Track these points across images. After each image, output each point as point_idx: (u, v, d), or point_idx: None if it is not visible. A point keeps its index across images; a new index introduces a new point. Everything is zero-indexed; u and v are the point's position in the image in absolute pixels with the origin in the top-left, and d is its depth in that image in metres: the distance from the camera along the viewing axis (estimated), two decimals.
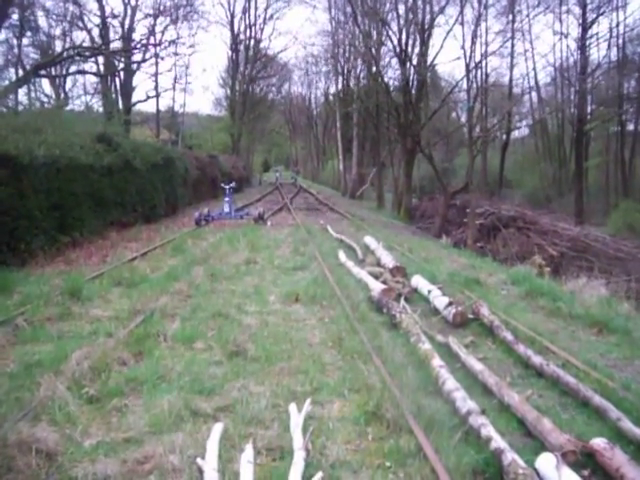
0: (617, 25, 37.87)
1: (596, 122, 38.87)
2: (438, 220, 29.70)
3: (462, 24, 29.19)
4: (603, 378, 5.65)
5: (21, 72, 31.00)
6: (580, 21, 36.99)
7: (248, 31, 51.51)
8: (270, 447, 4.34)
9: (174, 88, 42.99)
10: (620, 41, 38.28)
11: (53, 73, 32.64)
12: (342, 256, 12.77)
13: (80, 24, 34.13)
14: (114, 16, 34.08)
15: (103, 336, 6.81)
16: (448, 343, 6.65)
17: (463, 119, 44.44)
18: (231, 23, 50.58)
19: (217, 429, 4.39)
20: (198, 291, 9.40)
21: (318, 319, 8.03)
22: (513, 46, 38.31)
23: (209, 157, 34.72)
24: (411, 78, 33.25)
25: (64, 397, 4.98)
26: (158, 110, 41.84)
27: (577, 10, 37.80)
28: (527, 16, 35.14)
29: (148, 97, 38.55)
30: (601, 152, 42.33)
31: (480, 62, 30.31)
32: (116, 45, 33.82)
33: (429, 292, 9.10)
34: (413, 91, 33.47)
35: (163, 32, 35.89)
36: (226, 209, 20.23)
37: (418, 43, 33.08)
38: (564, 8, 39.30)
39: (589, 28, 36.86)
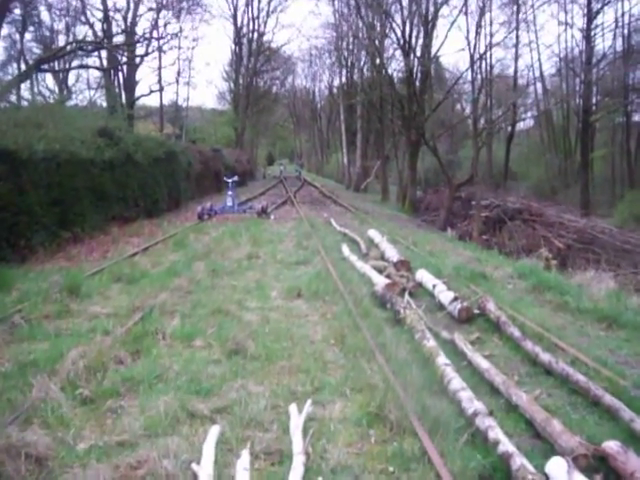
0: (622, 15, 37.45)
1: (602, 113, 38.48)
2: (443, 213, 29.47)
3: (466, 14, 28.91)
4: (614, 376, 5.47)
5: (24, 67, 30.97)
6: (585, 11, 36.51)
7: (251, 24, 51.34)
8: (269, 451, 4.18)
9: (177, 82, 42.99)
10: (625, 31, 37.88)
11: (56, 68, 32.51)
12: (345, 250, 12.61)
13: (83, 19, 34.04)
14: (117, 10, 33.97)
15: (101, 334, 6.65)
16: (454, 340, 6.48)
17: (468, 111, 44.14)
18: (234, 16, 50.42)
19: (214, 432, 4.24)
20: (199, 287, 9.25)
21: (320, 315, 7.87)
22: (518, 37, 37.82)
23: (212, 151, 34.53)
24: (415, 70, 32.99)
25: (57, 398, 4.83)
26: (162, 104, 41.74)
27: (582, 0, 37.44)
28: (532, 6, 34.77)
29: (151, 91, 38.43)
30: (606, 143, 41.91)
31: (485, 53, 30.07)
32: (119, 39, 33.72)
33: (434, 287, 8.93)
34: (417, 83, 33.19)
35: (165, 25, 35.72)
36: (229, 203, 20.09)
37: (422, 34, 32.83)
38: None
39: (594, 18, 36.41)
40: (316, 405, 4.87)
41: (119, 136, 17.88)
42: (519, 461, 3.80)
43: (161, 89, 39.66)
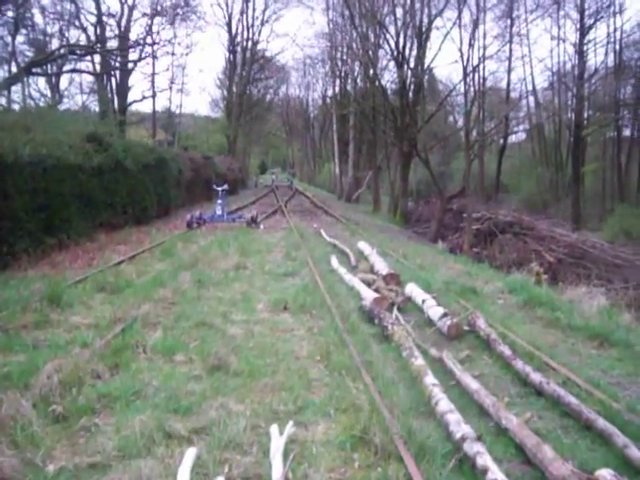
0: (615, 30, 37.70)
1: (593, 127, 38.60)
2: (434, 225, 29.38)
3: (460, 27, 28.99)
4: (607, 399, 5.30)
5: (14, 69, 30.70)
6: (578, 26, 36.76)
7: (246, 32, 51.39)
8: (246, 476, 3.98)
9: (170, 88, 42.84)
10: (617, 47, 38.12)
11: (49, 71, 32.31)
12: (334, 262, 12.44)
13: (77, 23, 33.87)
14: (111, 15, 33.82)
15: (79, 346, 6.44)
16: (442, 358, 6.30)
17: (460, 123, 44.19)
18: (229, 24, 50.47)
19: (190, 455, 4.03)
20: (184, 298, 9.04)
21: (307, 329, 7.68)
22: (511, 50, 38.07)
23: (204, 158, 34.31)
24: (408, 81, 33.00)
25: (28, 415, 4.61)
26: (154, 110, 41.52)
27: (575, 15, 37.63)
28: (525, 20, 34.96)
29: (144, 97, 38.26)
30: (597, 157, 42.05)
31: (478, 65, 30.14)
32: (112, 44, 33.58)
33: (423, 302, 8.76)
34: (410, 94, 33.18)
35: (159, 32, 35.61)
36: (218, 212, 19.90)
37: (415, 46, 32.88)
38: (562, 13, 39.21)
39: (587, 33, 36.66)
40: (298, 426, 4.69)
41: (108, 142, 17.64)
42: None
43: (154, 95, 39.49)
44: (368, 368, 5.93)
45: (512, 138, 48.24)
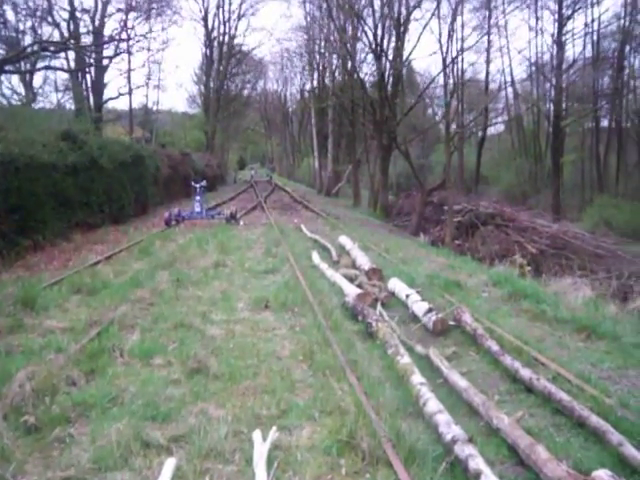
0: (592, 21, 37.78)
1: (572, 118, 38.67)
2: (415, 218, 29.24)
3: (439, 18, 28.85)
4: (599, 394, 5.18)
5: None
6: (556, 17, 36.77)
7: (222, 27, 50.87)
8: None
9: (147, 85, 42.14)
10: (595, 37, 38.22)
11: (22, 69, 31.66)
12: (316, 257, 12.26)
13: (49, 19, 33.20)
14: (84, 10, 33.22)
15: (54, 351, 6.21)
16: (429, 355, 6.14)
17: (439, 115, 44.17)
18: (205, 19, 49.86)
19: (169, 465, 3.85)
20: (162, 298, 8.81)
21: (289, 328, 7.49)
22: (489, 41, 38.08)
23: (182, 155, 33.95)
24: (387, 73, 32.78)
25: None
26: (131, 107, 40.90)
27: (553, 6, 37.64)
28: (503, 11, 34.89)
29: (120, 94, 37.60)
30: (576, 148, 42.17)
31: (457, 57, 30.03)
32: (86, 40, 32.96)
33: (407, 297, 8.61)
34: (389, 87, 32.97)
35: (134, 27, 35.01)
36: (197, 209, 19.64)
37: (394, 38, 32.61)
38: (540, 4, 39.21)
39: (565, 24, 36.67)
40: (282, 431, 4.51)
41: (83, 139, 17.29)
42: None
43: (130, 92, 38.85)
44: (353, 367, 5.77)
45: (491, 130, 48.48)
